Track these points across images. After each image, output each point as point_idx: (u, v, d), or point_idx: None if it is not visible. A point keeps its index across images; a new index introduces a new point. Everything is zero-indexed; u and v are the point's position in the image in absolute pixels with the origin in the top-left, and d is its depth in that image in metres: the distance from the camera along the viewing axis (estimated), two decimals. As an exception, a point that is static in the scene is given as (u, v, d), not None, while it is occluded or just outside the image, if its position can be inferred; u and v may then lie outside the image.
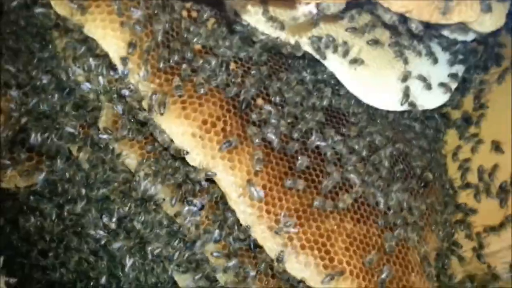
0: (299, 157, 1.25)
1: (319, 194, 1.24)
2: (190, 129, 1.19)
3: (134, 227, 1.31)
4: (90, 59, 1.27)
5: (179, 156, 1.20)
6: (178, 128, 1.19)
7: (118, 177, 1.30)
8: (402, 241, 1.30)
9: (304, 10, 1.23)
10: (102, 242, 1.33)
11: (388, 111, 1.49)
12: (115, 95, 1.28)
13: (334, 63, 1.39)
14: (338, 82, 1.41)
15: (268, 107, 1.28)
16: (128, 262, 1.33)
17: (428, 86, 1.48)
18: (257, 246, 1.21)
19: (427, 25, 1.36)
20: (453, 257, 1.49)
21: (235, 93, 1.26)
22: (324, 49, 1.36)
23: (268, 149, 1.24)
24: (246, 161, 1.21)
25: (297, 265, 1.18)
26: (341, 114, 1.42)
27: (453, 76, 1.55)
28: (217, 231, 1.24)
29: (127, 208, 1.30)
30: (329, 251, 1.20)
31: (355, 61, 1.39)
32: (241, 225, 1.20)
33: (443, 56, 1.58)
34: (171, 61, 1.23)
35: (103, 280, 1.37)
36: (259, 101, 1.30)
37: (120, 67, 1.20)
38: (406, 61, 1.47)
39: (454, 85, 1.54)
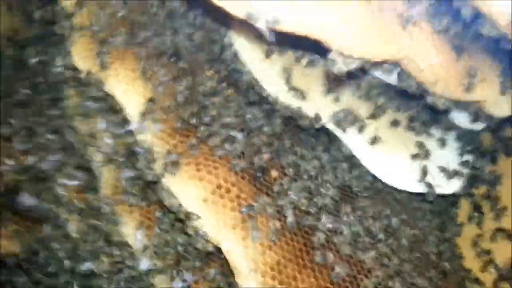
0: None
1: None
2: (203, 192, 1.12)
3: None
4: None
5: (187, 221, 1.12)
6: (189, 191, 1.12)
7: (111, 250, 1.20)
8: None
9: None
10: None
11: (400, 191, 1.43)
12: (122, 159, 1.23)
13: (353, 139, 1.35)
14: (353, 158, 1.38)
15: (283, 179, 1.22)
16: None
17: (449, 175, 1.44)
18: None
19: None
20: None
21: (250, 161, 1.21)
22: (344, 124, 1.33)
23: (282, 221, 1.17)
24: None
25: None
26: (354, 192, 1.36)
27: (464, 164, 1.52)
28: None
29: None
30: None
31: (374, 140, 1.36)
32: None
33: (452, 143, 1.56)
34: (189, 123, 1.20)
35: None
36: (273, 172, 1.25)
37: (136, 123, 1.16)
38: (422, 147, 1.43)
39: (466, 171, 1.50)
